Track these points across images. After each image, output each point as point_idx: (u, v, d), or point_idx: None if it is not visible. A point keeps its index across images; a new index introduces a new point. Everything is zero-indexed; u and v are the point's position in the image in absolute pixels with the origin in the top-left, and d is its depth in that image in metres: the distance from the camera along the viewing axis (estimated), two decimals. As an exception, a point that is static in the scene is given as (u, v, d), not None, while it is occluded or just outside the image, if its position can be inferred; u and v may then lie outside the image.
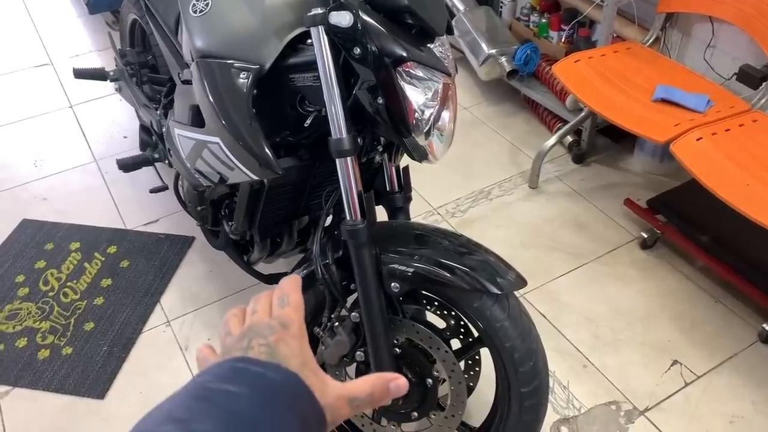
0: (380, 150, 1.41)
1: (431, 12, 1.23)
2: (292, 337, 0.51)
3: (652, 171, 2.54)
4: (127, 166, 2.07)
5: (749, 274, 1.98)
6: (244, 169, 1.36)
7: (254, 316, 0.56)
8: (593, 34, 2.68)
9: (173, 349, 1.98)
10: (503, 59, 2.74)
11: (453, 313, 1.46)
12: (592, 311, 2.03)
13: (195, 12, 1.39)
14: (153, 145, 2.15)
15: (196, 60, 1.36)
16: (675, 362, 1.88)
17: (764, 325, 1.91)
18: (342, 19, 1.17)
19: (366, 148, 1.36)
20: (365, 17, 1.17)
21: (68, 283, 2.17)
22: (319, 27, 1.20)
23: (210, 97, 1.33)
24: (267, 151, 1.30)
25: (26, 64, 3.38)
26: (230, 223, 1.68)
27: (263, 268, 1.86)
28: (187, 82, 1.53)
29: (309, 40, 1.33)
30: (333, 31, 1.18)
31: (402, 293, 1.34)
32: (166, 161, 2.06)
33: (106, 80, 2.33)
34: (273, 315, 0.55)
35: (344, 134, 1.24)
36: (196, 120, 1.48)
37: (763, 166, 1.80)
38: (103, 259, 2.26)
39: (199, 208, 1.77)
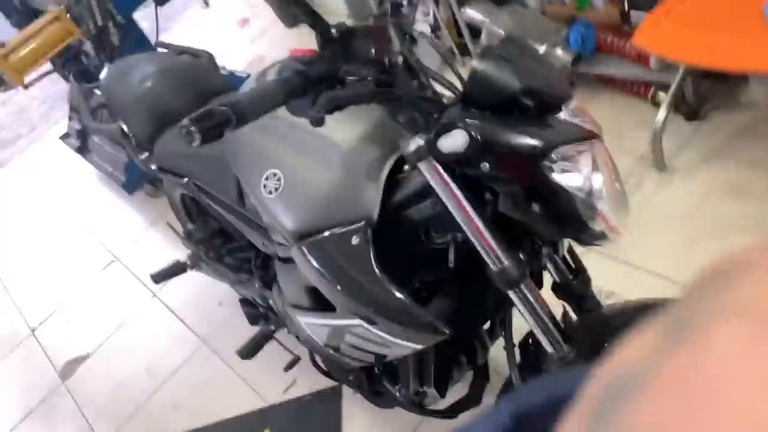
0: (545, 253, 1.14)
1: (549, 80, 0.97)
2: None
3: (782, 93, 2.18)
4: (250, 352, 1.87)
5: None
6: (405, 343, 1.13)
7: None
8: (641, -19, 2.36)
9: None
10: (558, 50, 2.45)
11: None
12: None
13: (270, 193, 1.18)
14: (263, 317, 1.94)
15: (296, 244, 1.15)
16: None
17: None
18: (455, 143, 0.92)
19: (530, 258, 1.10)
20: (480, 125, 0.92)
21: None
22: (428, 159, 0.96)
23: (331, 280, 1.11)
24: (424, 315, 1.07)
25: (93, 269, 3.24)
26: (396, 386, 1.44)
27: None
28: (287, 260, 1.33)
29: (406, 165, 1.11)
30: (447, 161, 0.95)
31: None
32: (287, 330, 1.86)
33: (186, 271, 2.16)
34: None
35: (505, 262, 1.00)
36: (318, 302, 1.26)
37: None
38: (263, 448, 2.07)
39: (350, 378, 1.55)
